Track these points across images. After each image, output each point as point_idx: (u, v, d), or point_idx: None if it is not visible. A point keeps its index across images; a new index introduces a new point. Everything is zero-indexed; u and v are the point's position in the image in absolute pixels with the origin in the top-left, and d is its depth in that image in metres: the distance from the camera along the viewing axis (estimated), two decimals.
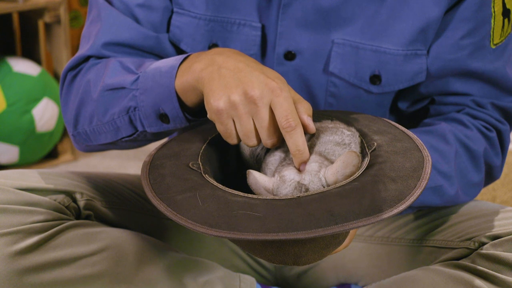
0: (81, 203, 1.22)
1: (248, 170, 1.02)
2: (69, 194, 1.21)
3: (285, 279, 1.36)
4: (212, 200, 0.96)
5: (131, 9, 1.24)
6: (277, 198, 0.95)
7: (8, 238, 1.11)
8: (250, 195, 0.97)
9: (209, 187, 0.99)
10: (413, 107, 1.29)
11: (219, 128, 1.04)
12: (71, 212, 1.21)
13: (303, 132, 1.01)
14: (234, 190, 0.98)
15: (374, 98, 1.24)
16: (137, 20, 1.24)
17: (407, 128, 1.21)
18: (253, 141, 1.03)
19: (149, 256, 1.18)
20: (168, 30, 1.26)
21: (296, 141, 1.00)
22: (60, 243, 1.14)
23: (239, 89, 1.01)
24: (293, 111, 1.01)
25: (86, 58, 1.26)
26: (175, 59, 1.13)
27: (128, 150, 2.69)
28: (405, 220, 1.30)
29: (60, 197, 1.20)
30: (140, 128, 1.18)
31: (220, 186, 0.99)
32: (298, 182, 0.99)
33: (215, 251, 1.33)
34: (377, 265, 1.31)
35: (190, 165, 1.03)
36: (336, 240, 0.99)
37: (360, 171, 0.98)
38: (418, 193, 0.94)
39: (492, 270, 1.11)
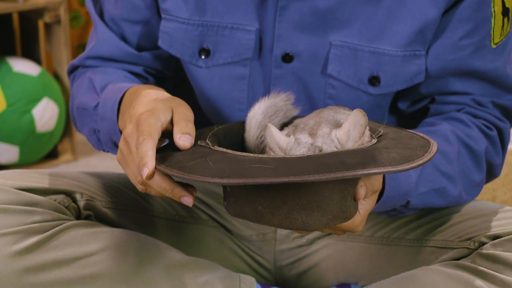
0: (81, 203, 1.22)
1: (267, 123, 1.04)
2: (69, 194, 1.21)
3: (285, 279, 1.36)
4: (223, 160, 0.98)
5: (118, 24, 1.29)
6: (288, 156, 0.98)
7: (8, 238, 1.11)
8: (260, 155, 0.99)
9: (219, 153, 1.00)
10: (414, 107, 1.29)
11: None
12: (71, 212, 1.21)
13: (149, 144, 0.99)
14: (243, 153, 1.00)
15: (373, 99, 1.24)
16: (123, 34, 1.29)
17: (408, 128, 1.22)
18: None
19: (149, 256, 1.18)
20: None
21: (140, 151, 0.99)
22: (60, 243, 1.14)
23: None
24: (133, 133, 1.02)
25: (76, 67, 1.33)
26: (119, 91, 1.16)
27: None
28: (405, 220, 1.29)
29: (60, 197, 1.20)
30: (105, 149, 1.22)
31: (229, 151, 1.01)
32: (312, 144, 1.01)
33: (215, 251, 1.33)
34: (377, 265, 1.31)
35: (198, 142, 1.05)
36: (344, 213, 1.01)
37: (370, 144, 1.01)
38: (426, 159, 0.97)
39: (492, 270, 1.11)
